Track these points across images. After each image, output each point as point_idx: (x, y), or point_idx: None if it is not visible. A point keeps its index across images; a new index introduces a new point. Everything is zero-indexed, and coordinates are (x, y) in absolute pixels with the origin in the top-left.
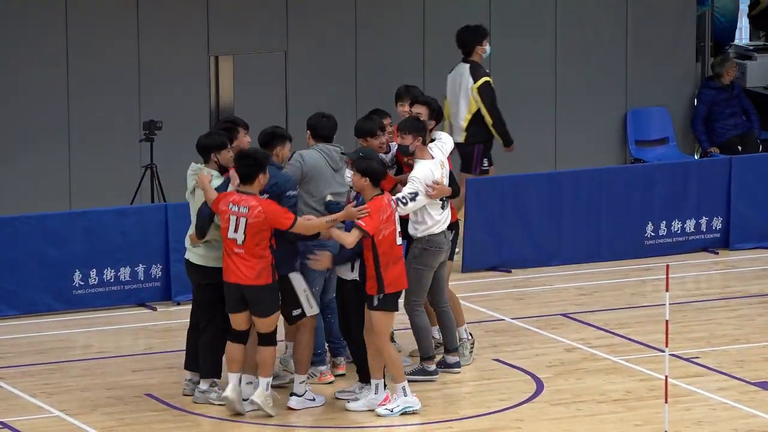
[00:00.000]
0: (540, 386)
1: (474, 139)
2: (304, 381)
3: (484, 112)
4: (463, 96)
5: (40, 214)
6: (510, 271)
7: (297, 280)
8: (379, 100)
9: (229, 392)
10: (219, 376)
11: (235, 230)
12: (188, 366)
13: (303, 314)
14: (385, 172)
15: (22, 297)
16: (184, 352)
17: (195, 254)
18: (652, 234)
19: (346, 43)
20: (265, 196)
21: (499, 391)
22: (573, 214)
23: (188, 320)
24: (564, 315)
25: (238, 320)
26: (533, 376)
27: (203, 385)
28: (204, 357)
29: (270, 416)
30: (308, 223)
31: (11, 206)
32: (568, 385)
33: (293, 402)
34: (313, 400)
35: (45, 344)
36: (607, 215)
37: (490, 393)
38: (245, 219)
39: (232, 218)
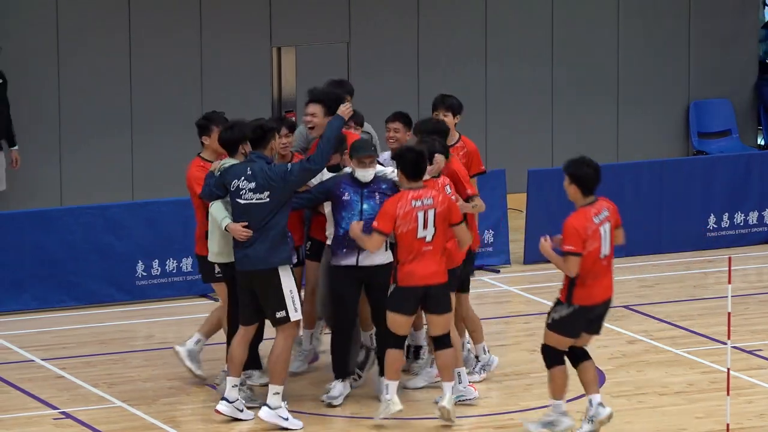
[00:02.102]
0: (601, 378)
1: None
2: (278, 393)
3: None
4: None
5: (102, 205)
6: None
7: (286, 277)
8: (441, 91)
9: (445, 403)
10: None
11: (425, 227)
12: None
13: (287, 317)
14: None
15: (85, 287)
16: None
17: (221, 254)
18: (714, 226)
19: (408, 34)
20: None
21: None
22: (635, 206)
23: None
24: (626, 307)
25: (407, 324)
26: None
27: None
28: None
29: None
30: (466, 231)
31: (74, 197)
32: (630, 377)
33: (263, 413)
34: (287, 419)
35: (107, 335)
36: (668, 207)
37: None
38: (433, 210)
39: (420, 215)
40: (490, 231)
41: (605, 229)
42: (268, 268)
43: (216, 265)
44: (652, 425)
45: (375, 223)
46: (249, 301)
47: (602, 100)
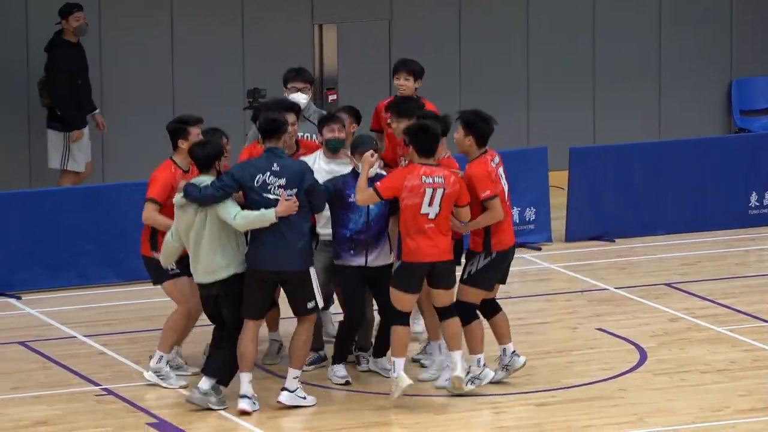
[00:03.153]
0: (643, 356)
1: None
2: (297, 377)
3: None
4: None
5: (146, 182)
6: (613, 241)
7: (313, 272)
8: (482, 69)
9: (458, 372)
10: (226, 385)
11: (430, 204)
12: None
13: (317, 306)
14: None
15: (128, 264)
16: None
17: (207, 273)
18: (756, 204)
19: (450, 11)
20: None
21: (602, 360)
22: (676, 183)
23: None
24: (667, 285)
25: (411, 301)
26: (636, 345)
27: (205, 384)
28: (225, 360)
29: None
30: (466, 211)
31: (118, 174)
32: (672, 355)
33: (284, 397)
34: (305, 398)
35: (150, 311)
36: (710, 185)
37: (593, 362)
38: (442, 190)
39: (428, 191)
40: (532, 209)
41: (501, 173)
42: (302, 270)
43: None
44: (694, 403)
45: (378, 183)
46: (264, 297)
47: (644, 78)
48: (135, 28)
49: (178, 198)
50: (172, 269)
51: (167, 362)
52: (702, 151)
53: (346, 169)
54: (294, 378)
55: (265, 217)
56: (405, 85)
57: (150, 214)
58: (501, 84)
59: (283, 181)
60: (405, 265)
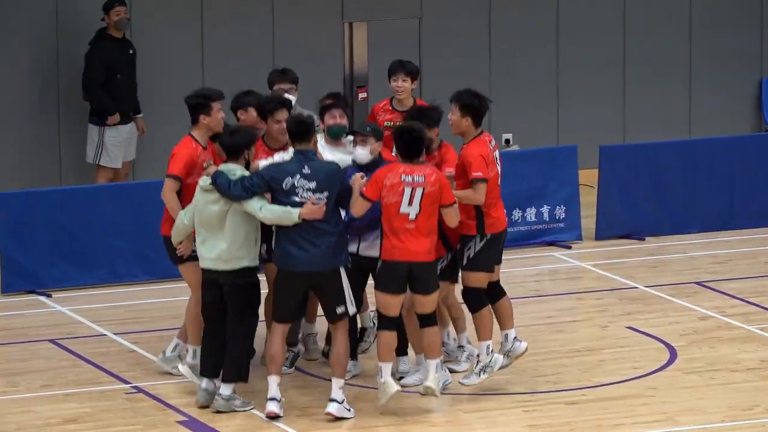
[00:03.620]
0: (673, 354)
1: None
2: (343, 387)
3: None
4: None
5: None
6: (643, 239)
7: (344, 274)
8: (512, 67)
9: (429, 382)
10: (246, 380)
11: (409, 203)
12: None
13: (347, 312)
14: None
15: (159, 262)
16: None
17: (219, 260)
18: None
19: (480, 9)
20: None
21: (632, 359)
22: (707, 181)
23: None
24: (698, 283)
25: (395, 304)
26: (667, 344)
27: (226, 390)
28: (236, 360)
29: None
30: (456, 211)
31: (149, 171)
32: (702, 354)
33: (333, 408)
34: (350, 410)
35: (180, 309)
36: (741, 183)
37: (624, 361)
38: (422, 189)
39: (406, 190)
40: (562, 207)
41: (497, 155)
42: (333, 269)
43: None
44: (724, 402)
45: (363, 189)
46: (293, 299)
47: (674, 76)
48: (164, 27)
49: (204, 181)
50: (194, 251)
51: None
52: (732, 149)
53: (349, 157)
54: (339, 388)
55: (291, 215)
56: (403, 86)
57: (168, 193)
58: (531, 82)
59: (313, 185)
60: (383, 263)
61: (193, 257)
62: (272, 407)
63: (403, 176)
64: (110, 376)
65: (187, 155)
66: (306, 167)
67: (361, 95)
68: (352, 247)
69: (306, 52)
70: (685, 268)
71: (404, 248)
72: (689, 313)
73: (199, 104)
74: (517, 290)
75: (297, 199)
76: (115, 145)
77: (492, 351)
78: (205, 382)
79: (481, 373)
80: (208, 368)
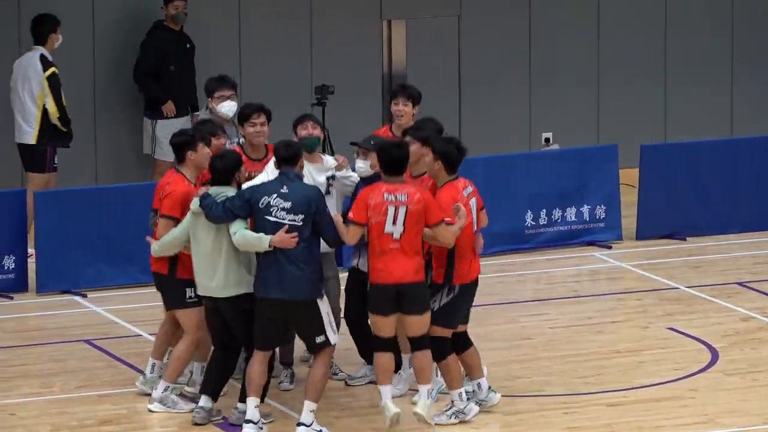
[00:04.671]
0: (715, 356)
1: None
2: (314, 410)
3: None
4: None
5: None
6: (685, 239)
7: (323, 304)
8: (553, 65)
9: (419, 409)
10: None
11: (393, 222)
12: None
13: (327, 342)
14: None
15: None
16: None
17: (217, 287)
18: None
19: (520, 7)
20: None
21: (673, 360)
22: (749, 181)
23: None
24: (740, 284)
25: (389, 325)
26: (708, 345)
27: (209, 403)
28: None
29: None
30: (447, 230)
31: None
32: (744, 355)
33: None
34: (320, 430)
35: None
36: None
37: (665, 362)
38: (405, 208)
39: (390, 209)
40: (602, 206)
41: (473, 204)
42: (308, 299)
43: (188, 289)
44: (766, 403)
45: (350, 214)
46: (271, 328)
47: (717, 73)
48: (201, 24)
49: (194, 204)
50: (190, 297)
51: (171, 390)
52: None
53: (322, 176)
54: (310, 411)
55: (261, 242)
56: (404, 110)
57: (162, 231)
58: (571, 80)
59: (288, 205)
60: (371, 286)
61: (189, 303)
62: (248, 430)
63: (385, 195)
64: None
65: (182, 194)
66: (285, 187)
67: None
68: (353, 262)
69: (343, 51)
70: (726, 268)
71: (390, 270)
72: (731, 314)
73: (185, 142)
74: (557, 290)
75: (271, 218)
76: (167, 137)
77: (468, 399)
78: (203, 400)
79: (453, 417)
80: (210, 388)
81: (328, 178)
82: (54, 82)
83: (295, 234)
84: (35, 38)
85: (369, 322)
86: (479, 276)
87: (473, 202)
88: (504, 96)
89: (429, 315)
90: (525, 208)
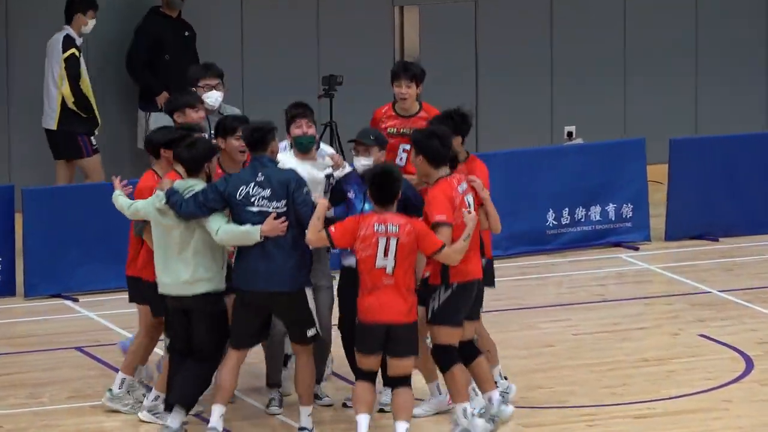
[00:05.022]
0: (749, 365)
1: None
2: (311, 414)
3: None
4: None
5: None
6: (717, 240)
7: (309, 295)
8: (576, 54)
9: None
10: (190, 409)
11: (385, 255)
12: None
13: (318, 335)
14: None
15: None
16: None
17: (195, 284)
18: None
19: None
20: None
21: (705, 369)
22: None
23: None
24: None
25: (374, 362)
26: (742, 353)
27: (176, 421)
28: (194, 381)
29: None
30: (452, 250)
31: None
32: None
33: None
34: None
35: None
36: None
37: (695, 371)
38: (396, 240)
39: (381, 241)
40: (629, 205)
41: (469, 201)
42: (296, 289)
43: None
44: None
45: (332, 229)
46: (252, 323)
47: (750, 63)
48: (201, 10)
49: (159, 200)
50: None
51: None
52: None
53: (322, 174)
54: (308, 416)
55: (250, 235)
56: (407, 92)
57: (147, 235)
58: (596, 70)
59: (267, 192)
60: (359, 324)
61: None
62: None
63: (376, 226)
64: (142, 387)
65: (147, 189)
66: (260, 174)
67: None
68: (350, 261)
69: (353, 39)
70: (762, 271)
71: (381, 308)
72: (767, 320)
73: (164, 141)
74: (581, 294)
75: (254, 209)
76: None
77: (472, 415)
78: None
79: None
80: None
81: (327, 177)
82: (71, 65)
83: (283, 219)
84: (66, 17)
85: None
86: (494, 279)
87: (470, 198)
88: (524, 87)
89: (412, 359)
90: (546, 207)
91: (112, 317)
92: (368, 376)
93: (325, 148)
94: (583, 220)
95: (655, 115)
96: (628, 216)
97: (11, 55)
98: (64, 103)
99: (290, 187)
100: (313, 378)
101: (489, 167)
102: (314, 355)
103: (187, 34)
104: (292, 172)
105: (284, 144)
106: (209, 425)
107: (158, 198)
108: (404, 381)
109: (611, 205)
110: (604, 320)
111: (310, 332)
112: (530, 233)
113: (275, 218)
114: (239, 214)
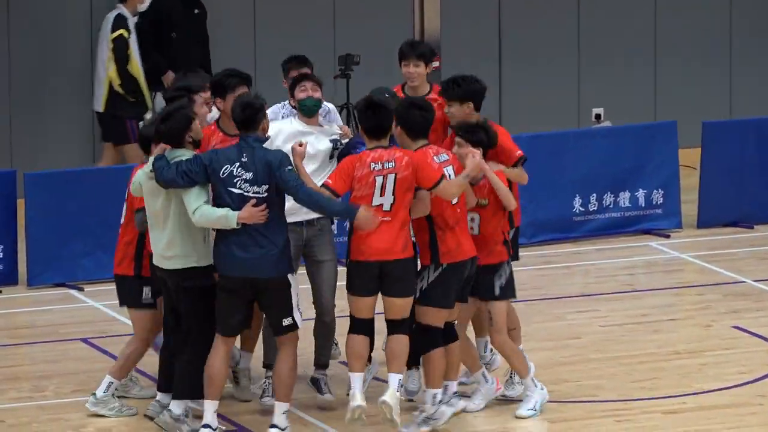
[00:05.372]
0: None
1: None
2: (287, 411)
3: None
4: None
5: None
6: (752, 227)
7: (292, 280)
8: (605, 35)
9: (387, 397)
10: (199, 397)
11: (382, 193)
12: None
13: (295, 324)
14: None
15: None
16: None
17: (162, 257)
18: None
19: None
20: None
21: (738, 362)
22: None
23: None
24: None
25: (369, 306)
26: None
27: (177, 409)
28: (189, 374)
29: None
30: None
31: None
32: None
33: None
34: None
35: None
36: None
37: (729, 365)
38: (393, 175)
39: (378, 179)
40: (660, 191)
41: (449, 172)
42: (279, 277)
43: (145, 289)
44: None
45: (328, 180)
46: (238, 309)
47: None
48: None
49: (148, 169)
50: (146, 299)
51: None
52: None
53: (325, 142)
54: (282, 413)
55: (227, 220)
56: (416, 72)
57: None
58: (625, 50)
59: (249, 176)
60: (351, 263)
61: (145, 304)
62: None
63: (371, 164)
64: (149, 379)
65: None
66: (244, 155)
67: (434, 64)
68: None
69: (370, 18)
70: None
71: (375, 245)
72: None
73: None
74: (609, 284)
75: (235, 191)
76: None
77: (440, 401)
78: (160, 396)
79: (423, 424)
80: (164, 383)
81: (333, 142)
82: (118, 45)
83: (263, 207)
84: None
85: (348, 302)
86: (518, 251)
87: (450, 170)
88: (550, 68)
89: (411, 299)
90: (573, 193)
91: (118, 307)
92: (362, 328)
93: (337, 118)
94: (611, 206)
95: (687, 98)
96: (658, 202)
97: (12, 33)
98: (111, 85)
99: (272, 167)
100: (293, 373)
101: None
102: (317, 339)
103: (197, 11)
104: (277, 153)
105: (276, 108)
106: (203, 421)
107: (149, 165)
108: (400, 326)
109: (641, 190)
110: (633, 311)
111: (286, 321)
112: (556, 220)
113: (254, 205)
114: (220, 194)
